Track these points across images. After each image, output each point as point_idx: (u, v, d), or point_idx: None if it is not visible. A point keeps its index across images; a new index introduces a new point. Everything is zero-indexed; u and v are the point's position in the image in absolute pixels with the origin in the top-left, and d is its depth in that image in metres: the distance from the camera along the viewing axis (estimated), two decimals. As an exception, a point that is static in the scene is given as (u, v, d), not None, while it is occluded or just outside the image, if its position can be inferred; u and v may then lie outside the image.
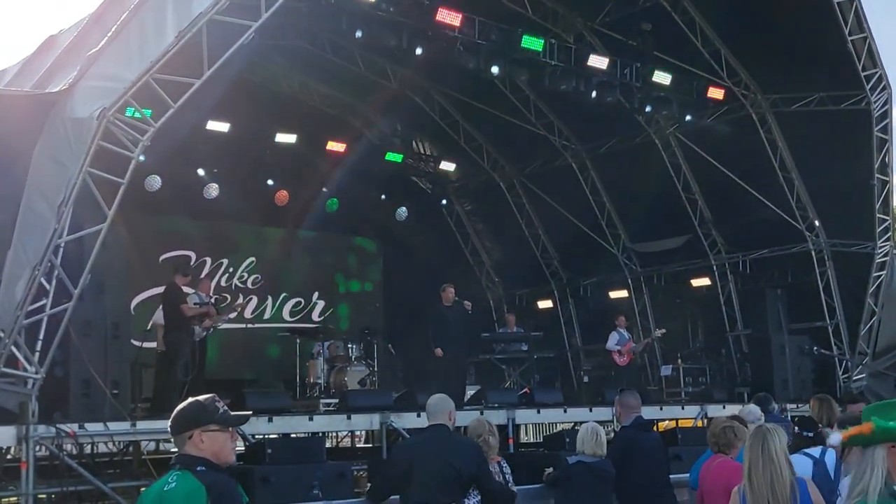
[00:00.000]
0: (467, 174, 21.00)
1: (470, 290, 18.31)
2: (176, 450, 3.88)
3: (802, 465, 5.87)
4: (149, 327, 13.43)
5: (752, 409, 7.59)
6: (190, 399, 3.89)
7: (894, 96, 15.31)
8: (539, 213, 20.42)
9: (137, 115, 9.00)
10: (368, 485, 9.42)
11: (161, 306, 12.72)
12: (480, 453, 6.51)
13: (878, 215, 15.80)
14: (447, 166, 20.71)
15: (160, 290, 12.96)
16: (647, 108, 16.22)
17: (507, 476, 6.87)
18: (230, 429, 3.87)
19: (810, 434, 6.59)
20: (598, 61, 15.14)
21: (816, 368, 16.33)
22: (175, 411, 3.84)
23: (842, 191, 16.13)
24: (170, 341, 12.09)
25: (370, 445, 14.73)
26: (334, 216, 19.59)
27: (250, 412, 4.41)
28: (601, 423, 12.47)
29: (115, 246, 10.25)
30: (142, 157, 9.37)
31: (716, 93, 16.14)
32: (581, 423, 12.34)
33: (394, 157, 19.77)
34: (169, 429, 3.83)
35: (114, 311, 10.31)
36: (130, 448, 11.46)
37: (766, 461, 4.70)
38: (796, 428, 7.04)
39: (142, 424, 9.52)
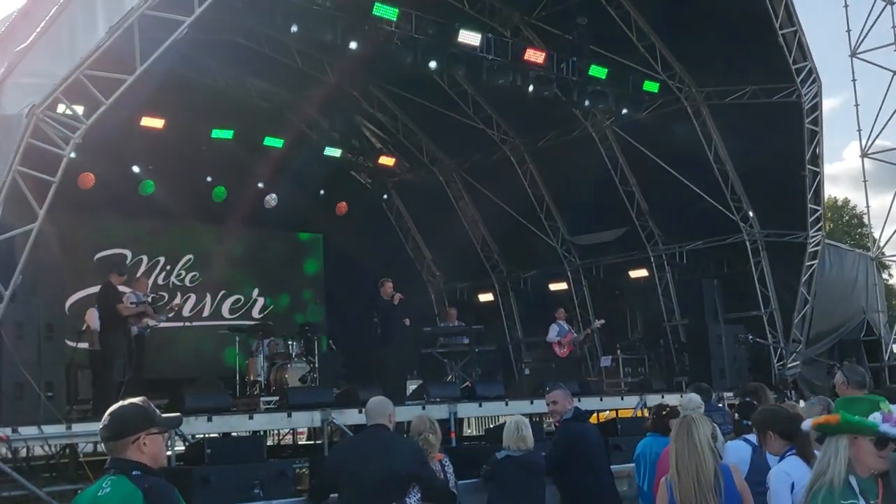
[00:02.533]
0: (407, 169, 20.98)
1: (411, 285, 18.31)
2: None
3: (741, 450, 5.94)
4: (84, 328, 13.19)
5: (693, 398, 7.67)
6: (127, 402, 3.74)
7: (824, 89, 15.68)
8: (479, 207, 20.51)
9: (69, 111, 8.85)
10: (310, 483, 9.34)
11: (95, 306, 12.50)
12: (421, 453, 6.40)
13: (809, 205, 16.17)
14: (386, 161, 20.66)
15: (96, 289, 12.70)
16: (585, 102, 16.35)
17: (448, 474, 6.78)
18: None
19: (748, 422, 6.70)
20: (534, 55, 15.23)
21: (752, 357, 16.62)
22: (113, 415, 3.68)
23: (774, 182, 16.47)
24: (106, 342, 11.85)
25: (312, 442, 14.63)
26: (273, 212, 19.41)
27: (179, 414, 4.34)
28: (541, 415, 12.66)
29: (47, 245, 10.06)
30: (73, 155, 9.19)
31: (651, 86, 16.35)
32: (522, 415, 12.45)
33: (332, 151, 19.67)
34: (107, 433, 3.65)
35: (47, 311, 10.11)
36: (67, 451, 11.22)
37: (690, 450, 4.85)
38: (736, 415, 7.17)
39: (77, 427, 9.29)
